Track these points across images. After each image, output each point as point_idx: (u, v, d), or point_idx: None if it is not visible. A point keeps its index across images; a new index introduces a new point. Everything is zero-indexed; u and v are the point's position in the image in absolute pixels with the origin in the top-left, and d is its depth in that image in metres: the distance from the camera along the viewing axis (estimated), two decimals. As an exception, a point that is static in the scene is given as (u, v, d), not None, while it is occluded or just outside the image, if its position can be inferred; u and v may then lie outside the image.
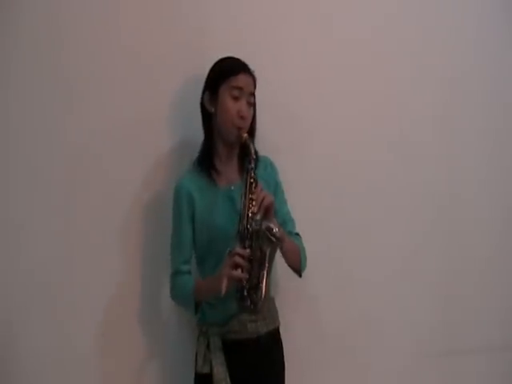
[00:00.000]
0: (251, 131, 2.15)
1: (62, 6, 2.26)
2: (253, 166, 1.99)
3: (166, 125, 2.34)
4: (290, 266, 2.15)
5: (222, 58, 2.16)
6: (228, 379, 2.04)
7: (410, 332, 2.59)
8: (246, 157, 2.03)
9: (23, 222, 2.22)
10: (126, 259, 2.31)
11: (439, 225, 2.65)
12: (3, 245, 2.20)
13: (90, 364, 2.28)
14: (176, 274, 2.14)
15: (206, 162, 2.14)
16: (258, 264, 1.93)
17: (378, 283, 2.55)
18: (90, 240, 2.28)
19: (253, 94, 2.14)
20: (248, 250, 1.93)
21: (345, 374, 2.51)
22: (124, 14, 2.31)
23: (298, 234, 2.22)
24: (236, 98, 2.09)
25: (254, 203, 1.95)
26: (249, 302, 1.94)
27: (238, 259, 1.90)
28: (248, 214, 1.95)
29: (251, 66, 2.14)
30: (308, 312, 2.48)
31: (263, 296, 1.94)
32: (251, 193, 1.97)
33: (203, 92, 2.16)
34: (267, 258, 1.93)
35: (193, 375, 2.13)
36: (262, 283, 1.93)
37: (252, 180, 1.98)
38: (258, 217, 1.95)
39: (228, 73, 2.10)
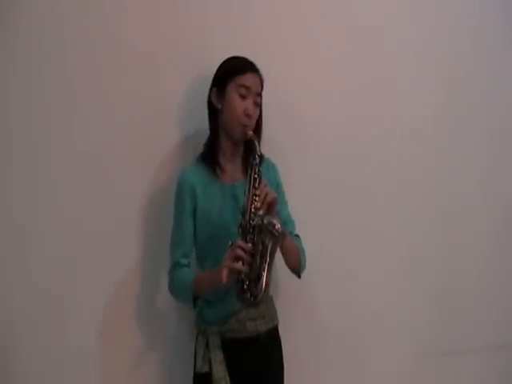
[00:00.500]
0: (257, 130, 2.16)
1: (64, 5, 2.26)
2: (257, 162, 2.01)
3: (169, 123, 2.35)
4: (289, 267, 2.16)
5: (231, 56, 2.18)
6: (227, 378, 2.04)
7: (409, 332, 2.60)
8: (251, 153, 2.04)
9: (24, 222, 2.23)
10: (126, 259, 2.31)
11: (438, 225, 2.66)
12: (4, 245, 2.21)
13: (90, 363, 2.28)
14: (175, 266, 2.13)
15: (210, 158, 2.16)
16: (259, 258, 1.93)
17: (376, 283, 2.55)
18: (89, 240, 2.28)
19: (259, 95, 2.15)
20: (250, 244, 1.93)
21: (344, 373, 2.51)
22: (128, 13, 2.31)
23: (297, 236, 2.23)
24: (243, 97, 2.10)
25: (257, 198, 1.96)
26: (248, 295, 1.95)
27: (239, 252, 1.91)
28: (251, 209, 1.96)
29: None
30: (307, 311, 2.48)
31: (263, 289, 1.94)
32: (255, 188, 1.98)
33: (211, 88, 2.17)
34: (268, 252, 1.93)
35: (192, 374, 2.13)
36: (263, 277, 1.93)
37: (256, 176, 1.99)
38: (261, 212, 1.96)
39: (236, 71, 2.11)
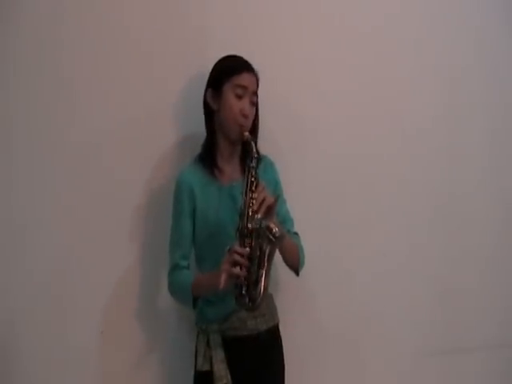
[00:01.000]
0: (254, 130, 2.15)
1: (64, 5, 2.26)
2: (254, 164, 2.00)
3: (169, 123, 2.35)
4: (288, 264, 2.16)
5: (226, 56, 2.17)
6: (228, 376, 2.04)
7: (409, 330, 2.59)
8: (248, 155, 2.03)
9: (25, 222, 2.23)
10: (126, 258, 2.31)
11: (438, 224, 2.65)
12: (4, 245, 2.21)
13: (90, 362, 2.28)
14: (174, 268, 2.13)
15: (208, 159, 2.15)
16: (257, 262, 1.93)
17: (377, 281, 2.55)
18: (89, 240, 2.28)
19: (256, 94, 2.14)
20: (247, 249, 1.93)
21: (344, 371, 2.51)
22: (126, 13, 2.32)
23: (296, 234, 2.22)
24: (239, 97, 2.09)
25: (254, 202, 1.95)
26: (247, 300, 1.95)
27: (237, 257, 1.91)
28: (248, 213, 1.95)
29: (253, 65, 2.15)
30: (307, 309, 2.48)
31: (261, 294, 1.94)
32: (252, 191, 1.97)
33: (206, 89, 2.16)
34: (266, 257, 1.93)
35: (192, 373, 2.13)
36: (261, 281, 1.93)
37: (253, 179, 1.99)
38: (259, 216, 1.95)
39: (232, 71, 2.10)
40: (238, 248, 1.92)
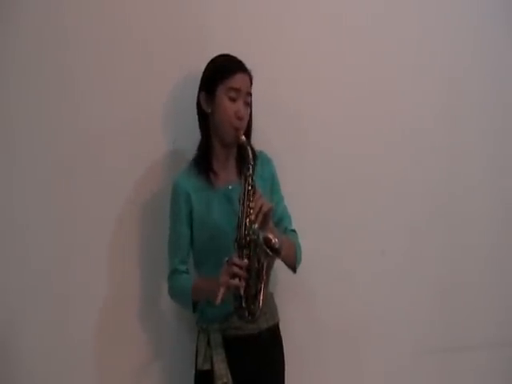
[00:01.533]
0: (248, 130, 2.14)
1: (63, 6, 2.26)
2: (251, 172, 1.99)
3: (168, 122, 2.35)
4: (285, 263, 2.14)
5: (217, 56, 2.14)
6: (229, 375, 2.04)
7: (409, 329, 2.59)
8: (244, 159, 2.02)
9: (24, 222, 2.23)
10: (125, 258, 2.32)
11: (438, 223, 2.65)
12: (4, 245, 2.21)
13: (90, 362, 2.29)
14: (174, 273, 2.14)
15: (203, 163, 2.13)
16: (255, 275, 1.94)
17: (376, 280, 2.55)
18: (89, 240, 2.28)
19: (249, 94, 2.12)
20: (246, 260, 1.93)
21: (343, 369, 2.51)
22: (126, 13, 2.32)
23: (294, 231, 2.22)
24: (233, 100, 2.07)
25: (251, 211, 1.95)
26: (246, 313, 1.96)
27: (235, 269, 1.91)
28: (246, 223, 1.95)
29: (250, 64, 2.13)
30: (307, 308, 2.48)
31: (260, 307, 1.96)
32: (249, 201, 1.96)
33: (199, 92, 2.14)
34: (265, 270, 1.94)
35: (193, 372, 2.13)
36: (260, 295, 1.95)
37: (250, 188, 1.97)
38: (256, 225, 1.94)
39: (225, 73, 2.07)
40: (236, 260, 1.92)
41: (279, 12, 2.47)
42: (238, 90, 2.07)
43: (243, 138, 2.04)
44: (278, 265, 2.18)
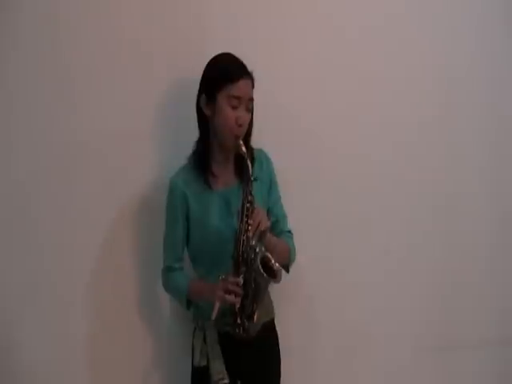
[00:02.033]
0: (247, 134, 2.12)
1: (61, 6, 2.26)
2: (250, 188, 1.98)
3: (167, 122, 2.35)
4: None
5: (219, 55, 2.10)
6: (225, 371, 2.04)
7: (408, 328, 2.60)
8: (244, 175, 2.00)
9: (23, 222, 2.23)
10: (124, 255, 2.32)
11: (437, 223, 2.65)
12: (4, 245, 2.21)
13: (88, 360, 2.29)
14: (168, 269, 2.15)
15: (202, 166, 2.11)
16: (251, 294, 1.96)
17: (375, 280, 2.55)
18: (88, 238, 2.29)
19: (251, 99, 2.08)
20: (241, 278, 1.94)
21: (342, 369, 2.51)
22: (124, 13, 2.32)
23: (289, 232, 2.22)
24: (235, 107, 2.03)
25: (249, 228, 1.95)
26: (241, 330, 1.99)
27: (231, 287, 1.93)
28: (243, 240, 1.95)
29: (249, 64, 2.09)
30: (306, 308, 2.49)
31: (254, 323, 1.99)
32: (248, 217, 1.96)
33: (199, 94, 2.10)
34: (261, 290, 1.97)
35: (190, 369, 2.14)
36: (255, 314, 1.98)
37: (249, 204, 1.97)
38: (253, 242, 1.95)
39: (227, 79, 2.02)
40: (231, 278, 1.94)
41: (279, 12, 2.48)
42: (240, 98, 2.04)
43: (244, 149, 2.00)
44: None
